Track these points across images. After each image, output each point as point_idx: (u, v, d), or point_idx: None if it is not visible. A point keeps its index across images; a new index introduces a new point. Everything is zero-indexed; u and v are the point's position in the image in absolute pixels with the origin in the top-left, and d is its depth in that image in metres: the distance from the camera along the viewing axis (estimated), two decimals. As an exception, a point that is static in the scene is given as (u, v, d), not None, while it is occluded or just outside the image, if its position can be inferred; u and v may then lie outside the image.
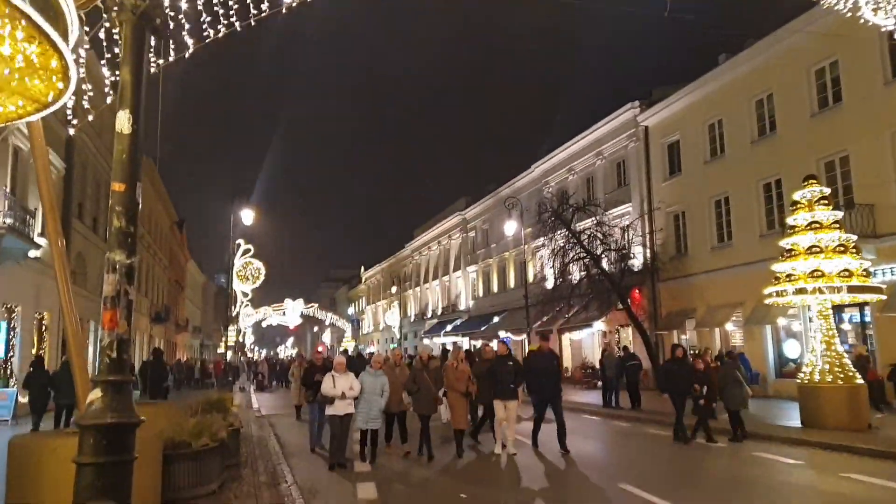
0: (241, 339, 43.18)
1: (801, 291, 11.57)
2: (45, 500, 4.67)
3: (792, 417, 12.67)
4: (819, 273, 11.34)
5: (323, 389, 8.69)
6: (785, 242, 12.48)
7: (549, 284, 28.20)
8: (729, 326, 22.00)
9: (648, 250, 24.65)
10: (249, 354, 71.94)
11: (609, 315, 25.86)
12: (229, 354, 35.45)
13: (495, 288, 40.09)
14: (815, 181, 12.31)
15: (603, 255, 24.11)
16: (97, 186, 25.25)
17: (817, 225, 11.77)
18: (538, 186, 33.78)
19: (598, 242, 24.32)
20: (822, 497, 7.08)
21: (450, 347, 32.84)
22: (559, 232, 24.81)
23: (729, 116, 22.05)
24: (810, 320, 18.93)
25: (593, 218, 24.92)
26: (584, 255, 24.32)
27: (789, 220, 12.60)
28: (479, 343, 37.01)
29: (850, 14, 7.94)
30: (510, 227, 25.52)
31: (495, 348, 10.73)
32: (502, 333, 33.98)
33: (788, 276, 11.89)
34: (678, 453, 9.95)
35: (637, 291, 25.16)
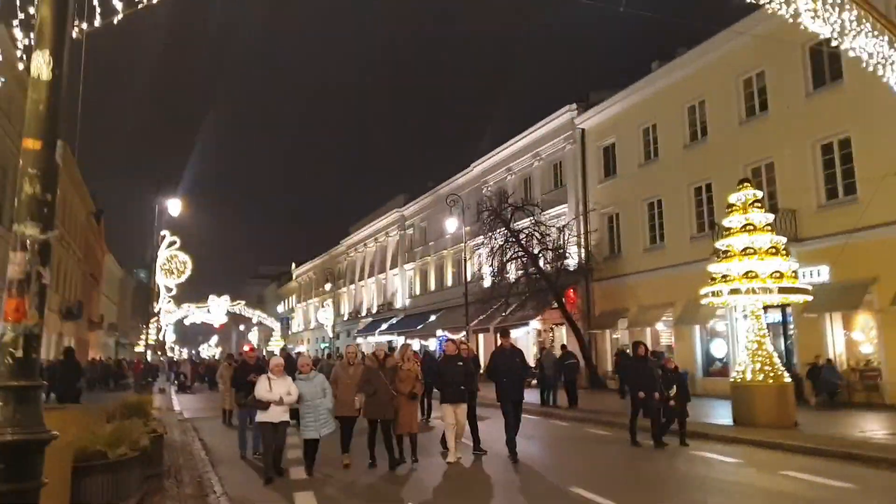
0: (161, 338, 40.93)
1: (735, 292, 11.86)
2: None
3: (722, 415, 13.01)
4: (753, 274, 11.65)
5: (257, 393, 7.81)
6: (721, 244, 12.80)
7: (487, 283, 28.27)
8: (659, 326, 22.59)
9: (583, 250, 25.05)
10: (170, 354, 68.62)
11: (545, 314, 26.10)
12: (149, 354, 33.50)
13: (433, 286, 39.85)
14: (748, 184, 12.68)
15: (540, 255, 24.33)
16: (3, 173, 23.14)
17: (751, 227, 12.10)
18: (477, 185, 33.76)
19: (536, 242, 24.53)
20: (770, 496, 7.14)
21: (395, 346, 32.36)
22: (498, 231, 24.84)
23: (662, 121, 22.65)
24: (736, 320, 19.81)
25: (531, 217, 25.10)
26: (522, 254, 24.46)
27: (724, 222, 12.93)
28: (414, 342, 36.70)
29: (785, 21, 8.01)
30: (451, 225, 25.33)
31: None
32: (439, 332, 33.79)
33: (724, 276, 12.16)
34: (622, 454, 9.93)
35: (572, 291, 25.51)
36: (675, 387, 10.33)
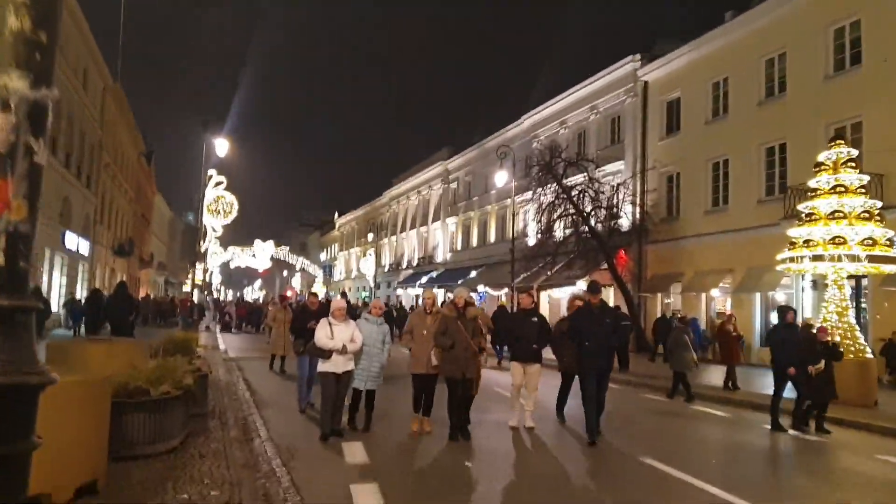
0: (208, 279, 41.69)
1: (818, 258, 10.86)
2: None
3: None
4: (841, 240, 10.61)
5: (317, 340, 7.00)
6: (804, 206, 11.73)
7: (531, 240, 27.47)
8: (715, 293, 21.56)
9: (639, 210, 23.89)
10: (216, 294, 70.44)
11: (592, 274, 25.20)
12: (195, 294, 34.09)
13: (475, 241, 39.23)
14: (841, 142, 11.47)
15: (592, 213, 23.31)
16: (57, 105, 23.19)
17: (842, 189, 10.99)
18: (527, 139, 32.57)
19: (588, 199, 23.47)
20: (887, 486, 6.33)
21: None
22: (548, 186, 23.86)
23: (735, 75, 21.04)
24: (803, 290, 18.65)
25: (584, 174, 23.99)
26: (573, 211, 23.47)
27: (810, 183, 11.81)
28: (451, 295, 36.37)
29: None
30: (500, 178, 24.43)
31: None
32: (481, 287, 33.31)
33: (806, 241, 11.14)
34: (686, 422, 9.29)
35: (623, 252, 24.51)
36: (823, 362, 9.08)
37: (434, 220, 45.22)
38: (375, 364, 7.38)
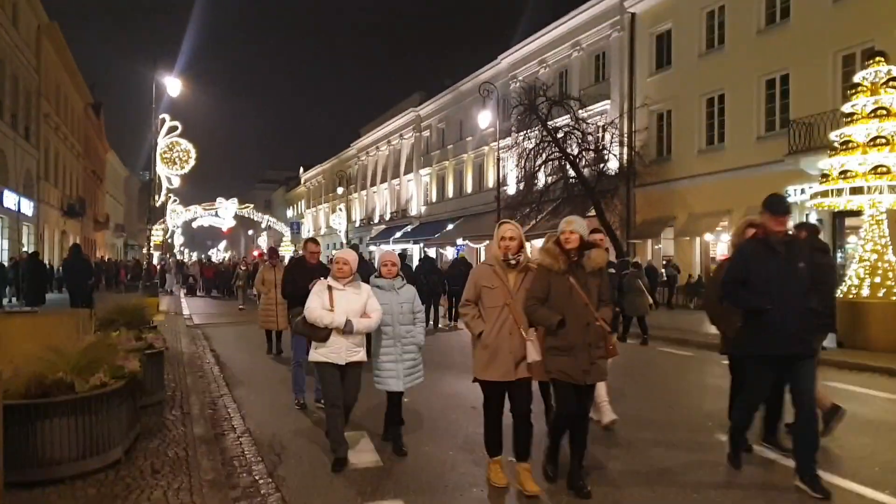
0: (169, 240, 39.38)
1: (857, 191, 9.70)
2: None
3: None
4: (884, 169, 9.45)
5: (308, 311, 4.53)
6: (836, 134, 10.51)
7: (511, 189, 26.08)
8: (709, 237, 20.60)
9: (628, 151, 22.59)
10: (178, 256, 67.76)
11: (580, 222, 24.02)
12: (155, 256, 31.93)
13: (450, 193, 37.66)
14: (882, 59, 10.18)
15: (580, 156, 21.94)
16: (13, 80, 20.47)
17: (883, 112, 9.76)
18: (505, 80, 30.73)
19: (575, 142, 22.05)
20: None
21: (409, 253, 30.24)
22: (531, 129, 22.30)
23: (733, 2, 19.53)
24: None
25: (569, 115, 22.49)
26: (559, 155, 22.05)
27: (845, 108, 10.57)
28: (432, 251, 35.04)
29: None
30: (483, 119, 22.71)
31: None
32: (460, 241, 31.98)
33: (842, 173, 9.96)
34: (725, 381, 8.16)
35: (611, 197, 23.31)
36: None
37: (406, 172, 43.37)
38: (409, 347, 4.80)
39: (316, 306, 4.48)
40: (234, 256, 67.24)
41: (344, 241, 45.75)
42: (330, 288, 4.57)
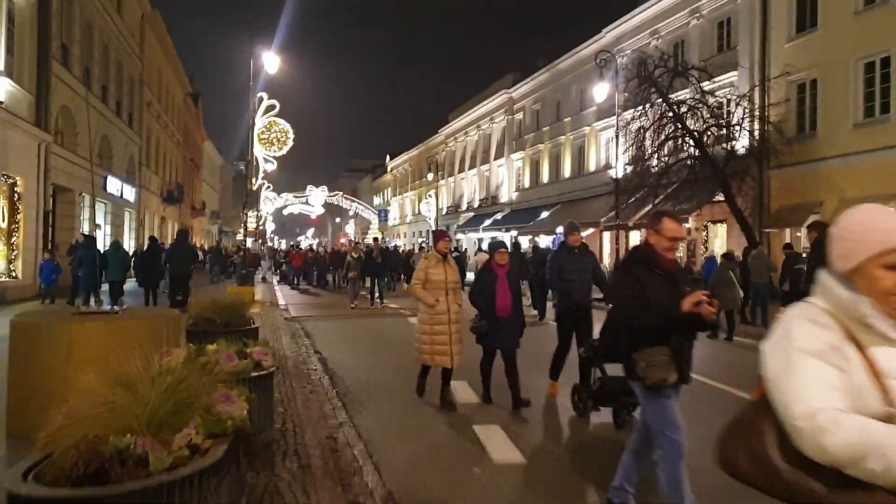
0: (261, 226, 39.72)
1: None
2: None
3: None
4: None
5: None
6: None
7: (620, 172, 23.81)
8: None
9: (760, 128, 19.79)
10: (270, 243, 69.42)
11: (705, 207, 21.50)
12: (249, 242, 31.95)
13: (545, 178, 35.59)
14: None
15: (706, 134, 19.39)
16: (88, 30, 20.52)
17: None
18: (610, 55, 28.22)
19: (701, 119, 19.48)
20: None
21: (503, 242, 28.47)
22: (650, 103, 19.92)
23: (905, -55, 16.41)
24: None
25: (689, 89, 19.93)
26: (683, 132, 19.59)
27: None
28: (525, 239, 33.23)
29: None
30: (599, 92, 20.52)
31: None
32: (559, 229, 29.90)
33: None
34: None
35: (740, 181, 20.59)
36: None
37: (497, 157, 41.60)
38: None
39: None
40: (323, 242, 68.03)
41: (433, 228, 44.71)
42: None
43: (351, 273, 16.31)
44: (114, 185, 22.97)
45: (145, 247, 17.35)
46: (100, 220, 22.05)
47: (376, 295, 17.18)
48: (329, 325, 12.62)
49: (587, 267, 6.71)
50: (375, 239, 15.55)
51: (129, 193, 25.40)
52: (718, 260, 15.04)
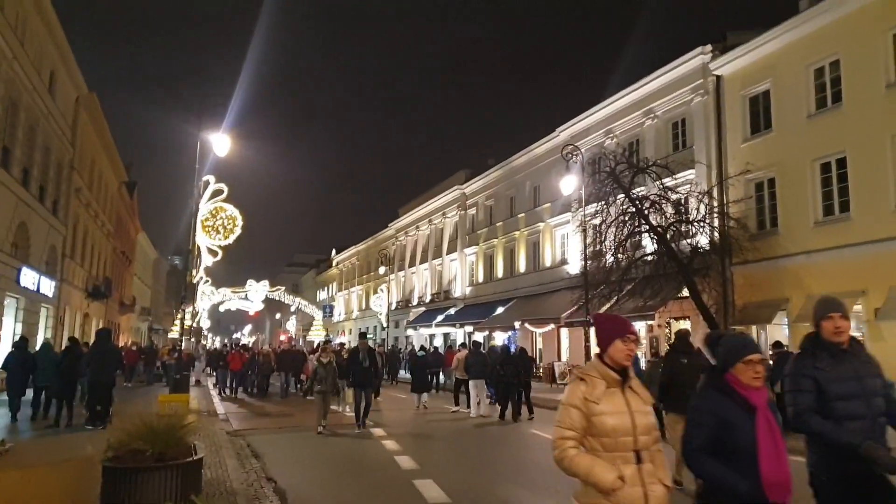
0: (198, 323, 36.89)
1: None
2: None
3: None
4: None
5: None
6: None
7: (574, 268, 23.23)
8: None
9: (720, 224, 19.77)
10: (204, 342, 65.17)
11: (669, 304, 20.95)
12: (184, 342, 29.23)
13: (500, 273, 34.93)
14: None
15: (671, 229, 19.15)
16: (13, 108, 18.89)
17: None
18: (576, 148, 28.59)
19: (664, 215, 19.29)
20: None
21: (454, 339, 26.67)
22: (615, 198, 19.66)
23: (850, 55, 17.27)
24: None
25: (652, 184, 19.91)
26: (647, 228, 19.28)
27: None
28: (480, 336, 31.90)
29: None
30: (566, 185, 20.09)
31: None
32: (517, 324, 28.84)
33: None
34: None
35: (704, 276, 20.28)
36: None
37: (450, 252, 40.97)
38: None
39: None
40: (261, 340, 64.42)
41: (385, 324, 42.84)
42: None
43: (318, 386, 12.23)
44: (29, 277, 20.49)
45: (63, 348, 14.62)
46: (8, 317, 19.32)
47: (361, 413, 12.68)
48: (281, 439, 10.65)
49: (872, 382, 3.58)
50: (363, 334, 13.52)
51: (48, 287, 22.78)
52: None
